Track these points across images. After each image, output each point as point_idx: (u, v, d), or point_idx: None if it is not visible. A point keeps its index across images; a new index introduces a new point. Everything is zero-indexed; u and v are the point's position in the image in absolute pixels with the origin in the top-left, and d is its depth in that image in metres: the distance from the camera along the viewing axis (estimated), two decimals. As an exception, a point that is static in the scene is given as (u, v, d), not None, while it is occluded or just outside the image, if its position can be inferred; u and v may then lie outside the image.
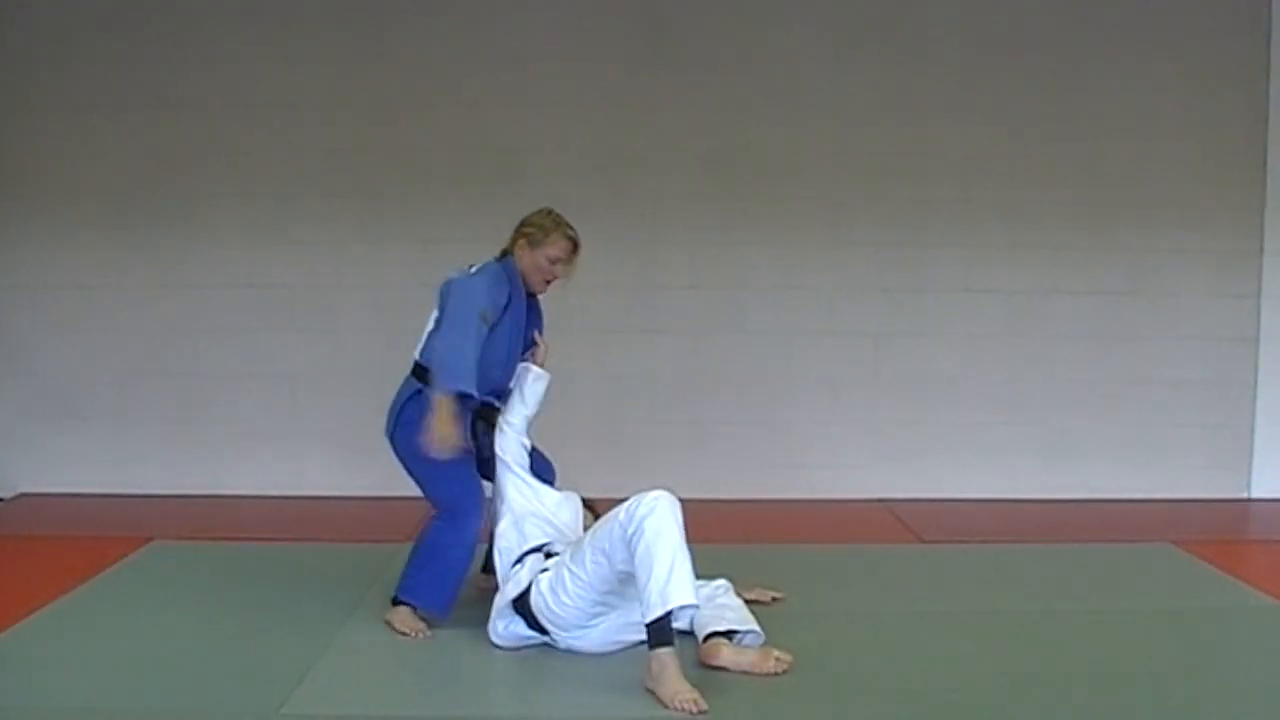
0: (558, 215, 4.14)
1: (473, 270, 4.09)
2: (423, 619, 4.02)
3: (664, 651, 3.42)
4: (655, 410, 6.14)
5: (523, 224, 4.14)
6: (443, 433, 3.83)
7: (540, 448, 4.42)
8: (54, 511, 5.82)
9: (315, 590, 4.48)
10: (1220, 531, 5.66)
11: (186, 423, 6.09)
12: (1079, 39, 6.07)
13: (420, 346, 4.16)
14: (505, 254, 4.16)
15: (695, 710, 3.33)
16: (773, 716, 3.39)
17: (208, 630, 4.03)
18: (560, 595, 3.68)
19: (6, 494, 6.05)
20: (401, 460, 4.11)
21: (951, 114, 6.08)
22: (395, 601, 4.08)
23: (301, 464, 6.08)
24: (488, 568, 4.39)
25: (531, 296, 4.21)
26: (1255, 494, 6.19)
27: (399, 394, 4.14)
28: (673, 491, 3.62)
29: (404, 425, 4.04)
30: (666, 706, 3.37)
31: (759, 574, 4.42)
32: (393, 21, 6.03)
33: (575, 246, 4.12)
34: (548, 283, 4.17)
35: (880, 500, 6.02)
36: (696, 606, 3.50)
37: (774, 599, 4.25)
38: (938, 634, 4.05)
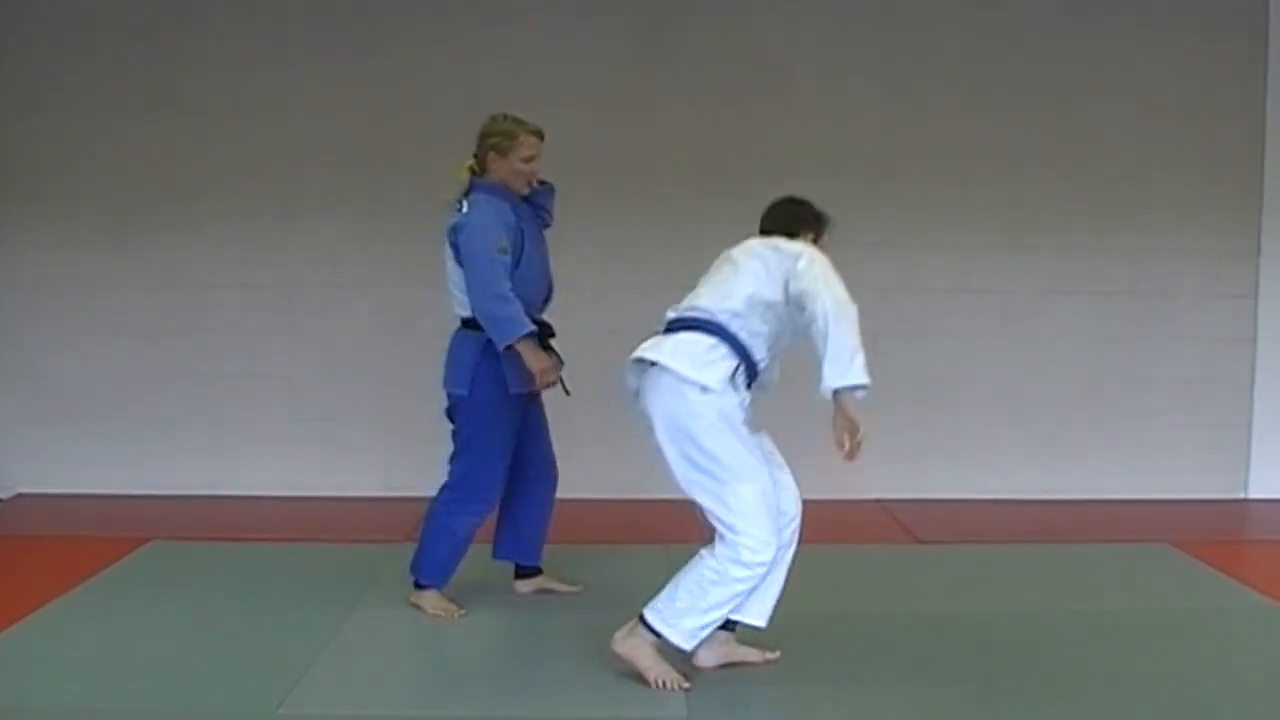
0: (512, 116, 4.10)
1: (465, 210, 4.02)
2: (450, 599, 4.09)
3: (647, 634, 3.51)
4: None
5: (484, 137, 4.08)
6: (540, 368, 4.02)
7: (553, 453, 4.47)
8: (52, 511, 5.82)
9: (313, 590, 4.49)
10: (1218, 532, 5.66)
11: (185, 423, 6.09)
12: (1077, 39, 6.08)
13: (465, 302, 4.08)
14: (474, 173, 4.10)
15: (679, 688, 3.42)
16: (770, 718, 3.40)
17: (206, 630, 4.03)
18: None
19: (5, 494, 6.05)
20: (457, 415, 4.13)
21: (950, 114, 6.08)
22: (418, 585, 4.16)
23: (301, 464, 6.08)
24: (520, 574, 4.41)
25: (524, 199, 4.17)
26: (1253, 494, 6.19)
27: (459, 349, 4.12)
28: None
29: (481, 380, 4.04)
30: (650, 684, 3.45)
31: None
32: (393, 21, 6.04)
33: (541, 137, 4.10)
34: (529, 183, 4.14)
35: (877, 500, 6.02)
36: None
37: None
38: (935, 634, 4.06)
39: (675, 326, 3.67)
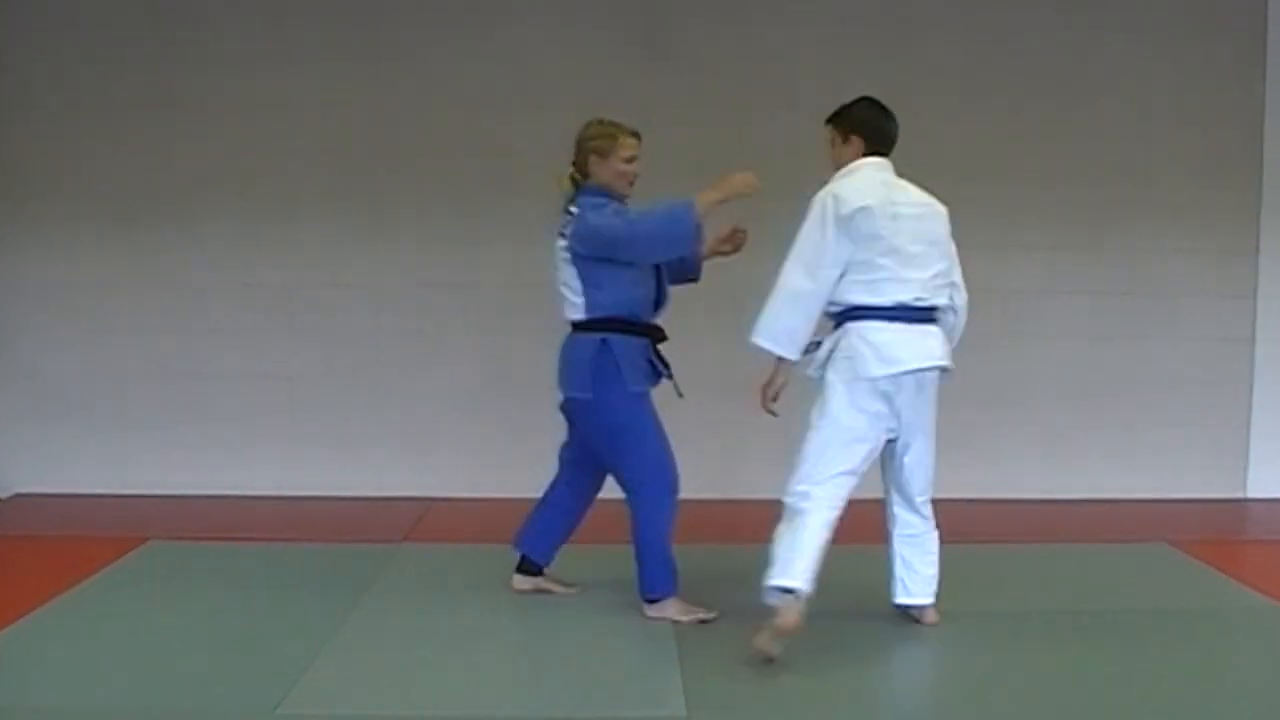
0: (610, 120, 4.16)
1: (578, 211, 4.07)
2: (696, 601, 4.11)
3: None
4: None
5: (583, 141, 4.15)
6: (740, 180, 4.04)
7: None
8: (51, 511, 5.83)
9: (312, 590, 4.49)
10: (1216, 531, 5.67)
11: (184, 423, 6.09)
12: (1076, 39, 6.08)
13: (578, 305, 4.12)
14: (577, 180, 4.16)
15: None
16: (770, 717, 3.40)
17: (204, 630, 4.04)
18: None
19: (3, 494, 6.05)
20: (592, 418, 4.13)
21: (950, 114, 6.08)
22: (650, 600, 4.12)
23: (299, 464, 6.08)
24: (524, 569, 4.40)
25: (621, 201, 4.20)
26: (1251, 494, 6.19)
27: (575, 357, 4.12)
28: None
29: (603, 380, 4.04)
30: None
31: (757, 575, 4.42)
32: (392, 22, 6.04)
33: (639, 137, 4.16)
34: (630, 183, 4.17)
35: (878, 500, 6.01)
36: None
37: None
38: (935, 634, 4.06)
39: (927, 318, 3.90)
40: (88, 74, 5.99)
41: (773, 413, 4.00)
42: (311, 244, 6.07)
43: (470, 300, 6.10)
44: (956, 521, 5.90)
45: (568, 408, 4.22)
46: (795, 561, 3.72)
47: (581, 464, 4.35)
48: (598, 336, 4.05)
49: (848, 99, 6.02)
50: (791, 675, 3.65)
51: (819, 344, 3.93)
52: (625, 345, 4.06)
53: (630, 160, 4.12)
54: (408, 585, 4.63)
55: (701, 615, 4.09)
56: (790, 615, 3.65)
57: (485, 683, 3.66)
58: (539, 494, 6.11)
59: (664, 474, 4.13)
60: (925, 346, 3.85)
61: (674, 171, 6.05)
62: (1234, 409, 6.19)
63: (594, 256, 4.03)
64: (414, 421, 6.15)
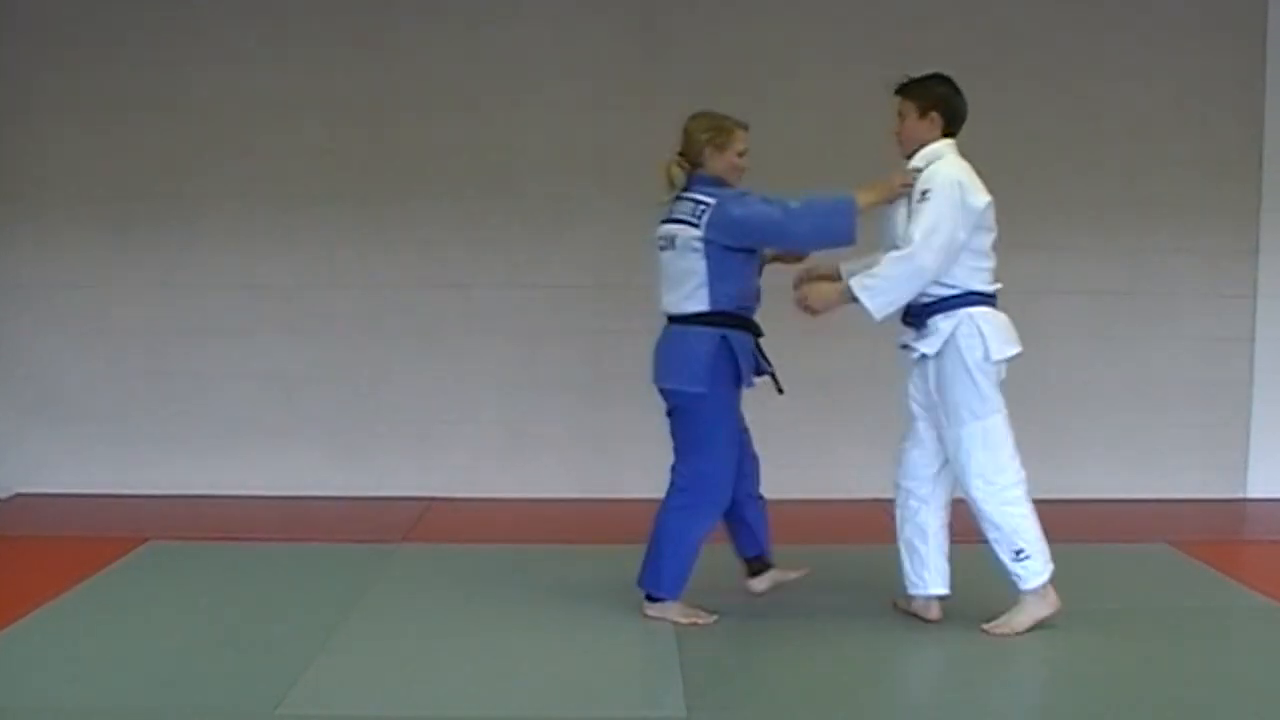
0: (720, 113, 4.15)
1: (711, 200, 4.00)
2: (697, 604, 4.08)
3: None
4: (655, 411, 6.12)
5: (697, 132, 4.10)
6: (897, 180, 4.05)
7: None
8: (51, 512, 5.83)
9: (311, 590, 4.49)
10: (1216, 531, 5.66)
11: (184, 423, 6.09)
12: (1076, 39, 6.08)
13: (700, 296, 4.02)
14: (691, 172, 4.10)
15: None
16: (770, 717, 3.40)
17: (203, 630, 4.03)
18: None
19: (3, 494, 6.05)
20: (688, 414, 4.07)
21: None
22: (650, 598, 4.09)
23: (298, 464, 6.08)
24: (754, 570, 4.34)
25: None
26: (1251, 494, 6.19)
27: (688, 344, 4.04)
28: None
29: (719, 377, 4.00)
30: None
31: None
32: (392, 23, 6.04)
33: (747, 129, 4.15)
34: (740, 175, 4.15)
35: (879, 500, 6.00)
36: None
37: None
38: (935, 634, 4.06)
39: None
40: (88, 74, 5.99)
41: (810, 309, 4.09)
42: (311, 244, 6.06)
43: (470, 300, 6.09)
44: (957, 521, 5.91)
45: (668, 400, 4.14)
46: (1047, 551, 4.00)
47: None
48: (717, 331, 4.00)
49: (848, 96, 6.07)
50: (790, 675, 3.65)
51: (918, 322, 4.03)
52: (742, 341, 4.05)
53: (742, 154, 4.13)
54: (407, 585, 4.62)
55: (701, 619, 4.08)
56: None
57: (485, 682, 3.65)
58: (539, 494, 6.15)
59: (721, 489, 4.10)
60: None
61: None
62: (1234, 409, 6.18)
63: (733, 246, 3.99)
64: (414, 421, 6.15)
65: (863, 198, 4.02)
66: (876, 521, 5.71)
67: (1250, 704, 3.51)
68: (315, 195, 6.03)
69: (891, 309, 3.94)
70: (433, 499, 5.96)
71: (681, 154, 4.14)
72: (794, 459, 6.12)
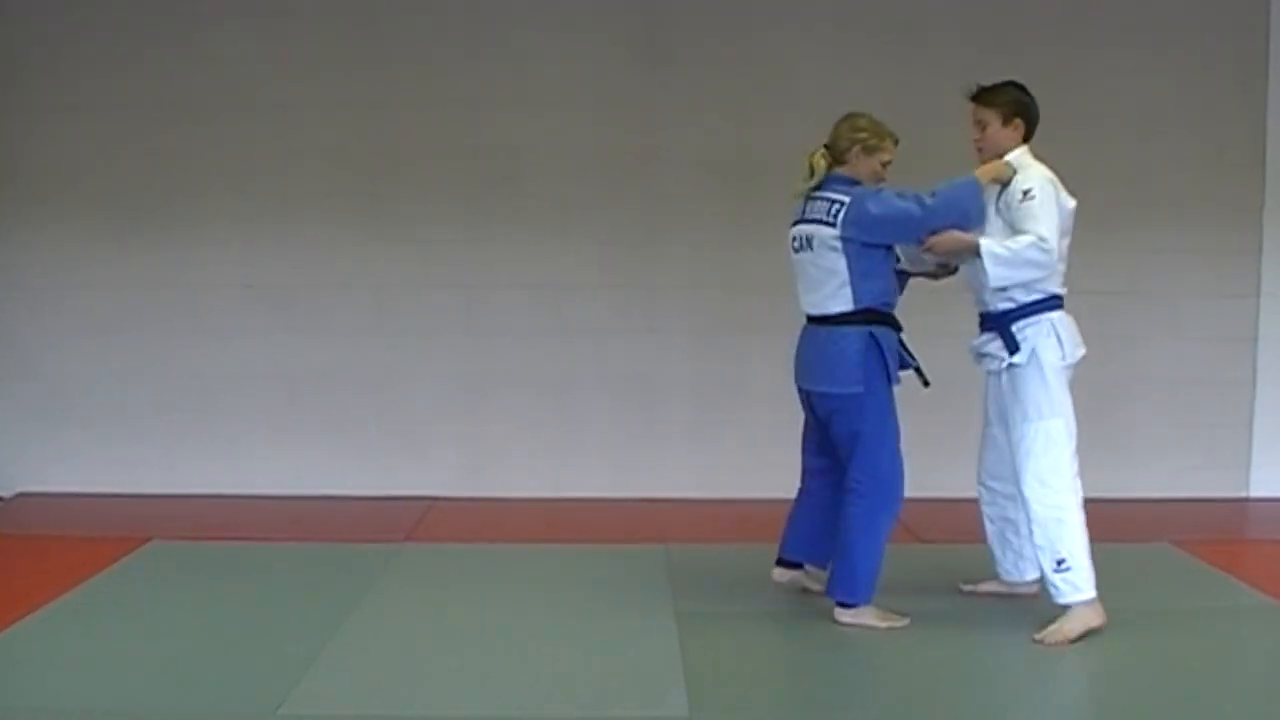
0: (876, 119, 4.15)
1: (846, 199, 4.00)
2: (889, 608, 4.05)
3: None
4: (655, 410, 6.15)
5: (852, 131, 4.10)
6: (1003, 167, 4.03)
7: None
8: (53, 511, 5.83)
9: (314, 590, 4.49)
10: (1219, 531, 5.66)
11: (186, 423, 6.09)
12: (1078, 38, 6.07)
13: (844, 296, 4.02)
14: (831, 169, 4.10)
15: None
16: (770, 717, 3.40)
17: (206, 630, 4.03)
18: None
19: (6, 493, 6.05)
20: (850, 415, 4.03)
21: (950, 113, 6.03)
22: (842, 604, 4.01)
23: (301, 464, 6.08)
24: (784, 563, 4.32)
25: None
26: (1254, 493, 6.18)
27: (840, 351, 4.02)
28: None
29: (873, 375, 3.99)
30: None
31: (758, 575, 4.42)
32: (393, 21, 6.03)
33: (898, 143, 4.16)
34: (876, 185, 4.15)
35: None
36: None
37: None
38: (935, 633, 4.06)
39: None
40: (88, 74, 5.98)
41: (938, 271, 4.20)
42: (312, 244, 6.06)
43: (470, 300, 6.09)
44: (959, 521, 5.91)
45: (822, 403, 4.11)
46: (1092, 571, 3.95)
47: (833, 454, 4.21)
48: (865, 330, 4.00)
49: (848, 99, 6.00)
50: (793, 675, 3.66)
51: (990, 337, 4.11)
52: (888, 338, 4.05)
53: (886, 164, 4.13)
54: (409, 585, 4.62)
55: (897, 622, 4.02)
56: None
57: (487, 682, 3.65)
58: (539, 494, 6.15)
59: (897, 484, 4.10)
60: None
61: (673, 169, 6.10)
62: (1236, 408, 6.18)
63: (872, 243, 3.99)
64: (415, 421, 6.14)
65: (981, 178, 4.04)
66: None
67: (1252, 703, 3.51)
68: (317, 194, 6.03)
69: (1005, 283, 3.97)
70: (435, 498, 5.96)
71: (828, 147, 4.13)
72: (795, 459, 6.10)
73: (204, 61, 5.99)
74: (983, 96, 4.16)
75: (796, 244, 4.12)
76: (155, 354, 6.10)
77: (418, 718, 3.42)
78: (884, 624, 4.01)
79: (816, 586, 4.28)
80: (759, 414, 6.14)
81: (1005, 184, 4.06)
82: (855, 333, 4.01)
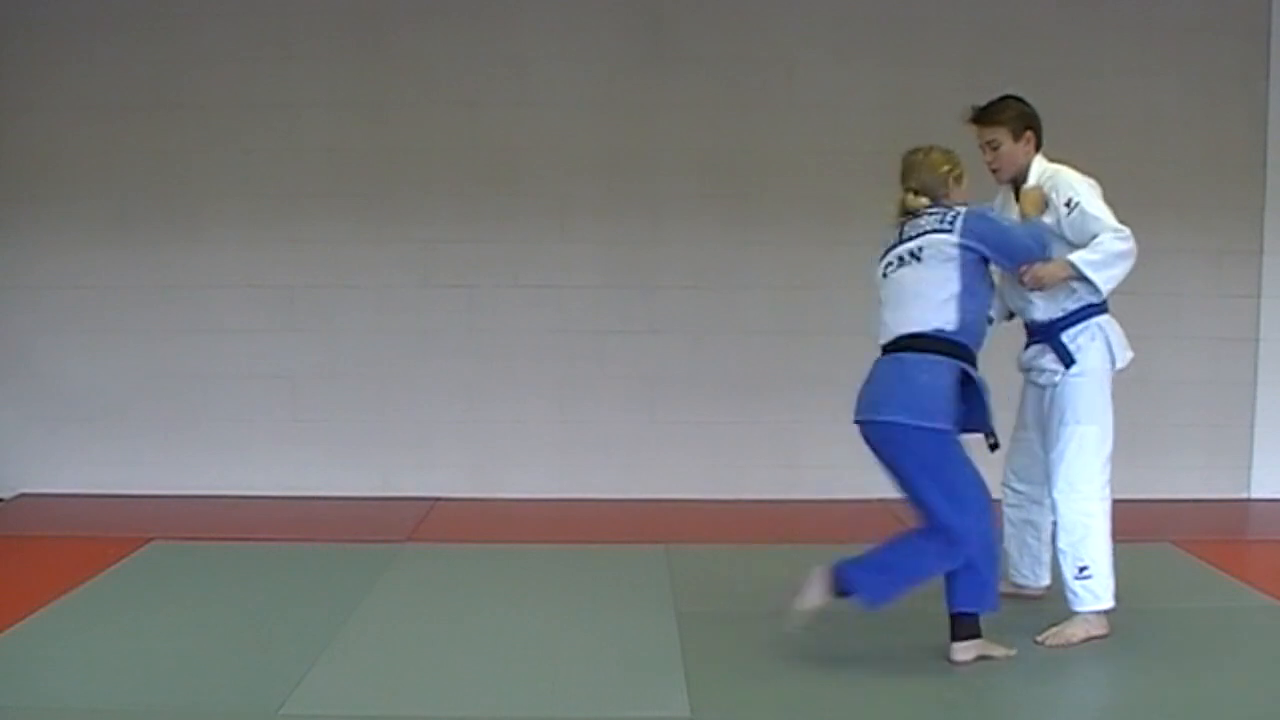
0: (936, 146, 3.98)
1: (962, 210, 3.83)
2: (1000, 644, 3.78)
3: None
4: (655, 410, 6.14)
5: (951, 167, 3.91)
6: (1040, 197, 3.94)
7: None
8: (54, 511, 5.82)
9: (314, 591, 4.49)
10: (1220, 531, 5.65)
11: (187, 423, 6.09)
12: (1079, 38, 6.07)
13: (948, 315, 3.76)
14: (934, 202, 3.89)
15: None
16: (772, 717, 3.40)
17: (207, 630, 4.03)
18: None
19: (7, 494, 6.05)
20: (924, 453, 3.71)
21: (951, 113, 6.04)
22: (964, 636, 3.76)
23: (301, 464, 6.08)
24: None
25: None
26: (1255, 493, 6.18)
27: (931, 383, 3.72)
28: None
29: (935, 412, 3.66)
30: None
31: (759, 575, 4.42)
32: (392, 22, 6.04)
33: None
34: None
35: (880, 500, 6.00)
36: None
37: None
38: (936, 633, 4.05)
39: None
40: (88, 74, 5.98)
41: (1038, 281, 3.94)
42: (313, 244, 6.06)
43: (471, 300, 6.09)
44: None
45: (898, 435, 3.74)
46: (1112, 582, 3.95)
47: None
48: (957, 364, 3.73)
49: (848, 99, 6.07)
50: (795, 675, 3.65)
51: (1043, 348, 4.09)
52: (983, 382, 3.81)
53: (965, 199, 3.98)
54: (410, 585, 4.62)
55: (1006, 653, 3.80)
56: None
57: (489, 683, 3.65)
58: (542, 494, 6.15)
59: (976, 543, 3.79)
60: None
61: (674, 169, 6.10)
62: (1237, 409, 6.17)
63: (987, 258, 3.83)
64: (416, 421, 6.14)
65: (1032, 215, 3.99)
66: (879, 520, 5.71)
67: (1254, 703, 3.51)
68: (317, 194, 6.03)
69: (1113, 284, 3.94)
70: (436, 499, 5.96)
71: (916, 188, 3.92)
72: (795, 459, 6.13)
73: (204, 61, 5.99)
74: (986, 116, 4.07)
75: (899, 261, 3.87)
76: (156, 354, 6.10)
77: (420, 718, 3.42)
78: (1002, 653, 3.76)
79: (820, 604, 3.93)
80: (760, 414, 6.15)
81: (1046, 206, 3.99)
82: (946, 363, 3.72)
